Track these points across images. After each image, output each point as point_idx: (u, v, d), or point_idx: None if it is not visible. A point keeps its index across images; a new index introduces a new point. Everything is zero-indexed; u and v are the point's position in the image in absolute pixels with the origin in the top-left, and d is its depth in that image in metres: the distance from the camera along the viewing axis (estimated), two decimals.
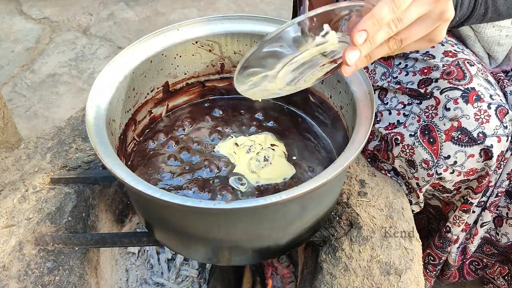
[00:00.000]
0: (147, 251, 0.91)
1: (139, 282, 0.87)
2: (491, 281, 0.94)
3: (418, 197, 0.76)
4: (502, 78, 0.76)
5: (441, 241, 0.84)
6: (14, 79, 1.64)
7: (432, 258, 0.88)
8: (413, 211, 0.78)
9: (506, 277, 0.92)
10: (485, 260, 0.91)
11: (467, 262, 0.92)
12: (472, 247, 0.84)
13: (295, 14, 1.08)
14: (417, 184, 0.73)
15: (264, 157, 0.67)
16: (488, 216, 0.79)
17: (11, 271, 0.63)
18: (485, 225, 0.81)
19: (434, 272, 0.90)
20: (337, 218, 0.70)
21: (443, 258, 0.87)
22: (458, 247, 0.85)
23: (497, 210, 0.81)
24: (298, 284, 0.86)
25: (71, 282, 0.63)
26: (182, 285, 0.87)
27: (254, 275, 0.88)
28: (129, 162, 0.68)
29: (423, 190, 0.74)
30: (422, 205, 0.79)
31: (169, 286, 0.86)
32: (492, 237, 0.85)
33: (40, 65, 1.70)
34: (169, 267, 0.89)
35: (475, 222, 0.81)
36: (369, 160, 0.80)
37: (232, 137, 0.70)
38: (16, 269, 0.64)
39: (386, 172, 0.77)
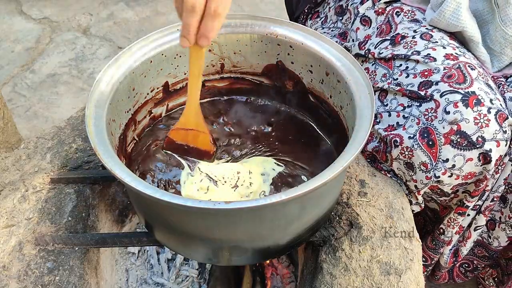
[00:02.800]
0: (147, 251, 0.91)
1: (139, 282, 0.87)
2: (481, 281, 0.94)
3: (417, 199, 0.76)
4: (502, 83, 0.76)
5: (434, 242, 0.84)
6: (14, 79, 1.64)
7: (424, 259, 0.88)
8: (413, 211, 0.77)
9: (495, 279, 0.92)
10: (475, 262, 0.91)
11: (457, 265, 0.92)
12: (465, 250, 0.84)
13: (290, 14, 1.07)
14: (415, 186, 0.73)
15: (249, 184, 0.65)
16: (482, 220, 0.79)
17: (11, 271, 0.63)
18: (478, 229, 0.81)
19: (425, 273, 0.91)
20: (337, 218, 0.70)
21: (435, 259, 0.87)
22: (451, 249, 0.85)
23: (490, 213, 0.81)
24: (298, 284, 0.86)
25: (71, 282, 0.63)
26: (182, 285, 0.87)
27: (254, 275, 0.88)
28: (129, 162, 0.68)
29: (421, 192, 0.74)
30: (422, 205, 0.79)
31: (169, 286, 0.86)
32: (484, 240, 0.86)
33: (40, 65, 1.69)
34: (169, 267, 0.89)
35: (469, 225, 0.81)
36: (368, 160, 0.80)
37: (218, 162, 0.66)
38: (16, 269, 0.63)
39: (386, 172, 0.77)
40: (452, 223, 0.79)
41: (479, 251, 0.88)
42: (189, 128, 0.65)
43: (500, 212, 0.80)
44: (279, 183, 0.65)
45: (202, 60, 0.58)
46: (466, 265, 0.92)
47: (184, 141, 0.66)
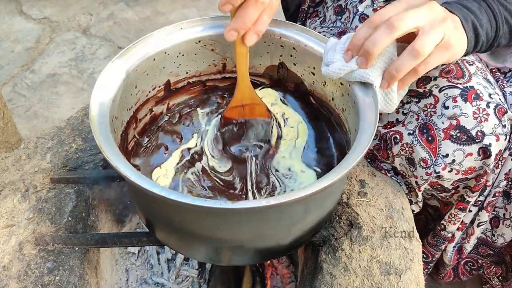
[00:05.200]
0: (147, 251, 0.91)
1: (139, 282, 0.86)
2: (487, 281, 0.94)
3: (417, 196, 0.77)
4: (501, 78, 0.76)
5: (435, 239, 0.84)
6: (14, 79, 1.63)
7: (424, 256, 0.88)
8: (412, 211, 0.78)
9: (499, 277, 0.92)
10: (480, 261, 0.91)
11: (462, 262, 0.92)
12: (468, 247, 0.84)
13: (285, 10, 1.07)
14: (416, 182, 0.73)
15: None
16: (485, 216, 0.79)
17: (11, 271, 0.63)
18: (481, 225, 0.81)
19: (426, 270, 0.90)
20: (337, 218, 0.70)
21: (436, 255, 0.87)
22: (454, 246, 0.85)
23: (494, 210, 0.81)
24: (298, 284, 0.86)
25: (71, 282, 0.63)
26: (182, 285, 0.87)
27: (254, 275, 0.88)
28: (130, 160, 0.68)
29: (422, 188, 0.74)
30: (421, 204, 0.79)
31: (169, 286, 0.86)
32: (488, 238, 0.86)
33: (40, 65, 1.69)
34: (169, 267, 0.89)
35: (472, 221, 0.81)
36: (368, 160, 0.80)
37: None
38: (16, 269, 0.63)
39: (386, 171, 0.78)
40: (453, 219, 0.79)
41: (483, 250, 0.88)
42: (245, 103, 0.68)
43: (504, 208, 0.80)
44: None
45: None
46: (471, 264, 0.92)
47: (241, 116, 0.69)
